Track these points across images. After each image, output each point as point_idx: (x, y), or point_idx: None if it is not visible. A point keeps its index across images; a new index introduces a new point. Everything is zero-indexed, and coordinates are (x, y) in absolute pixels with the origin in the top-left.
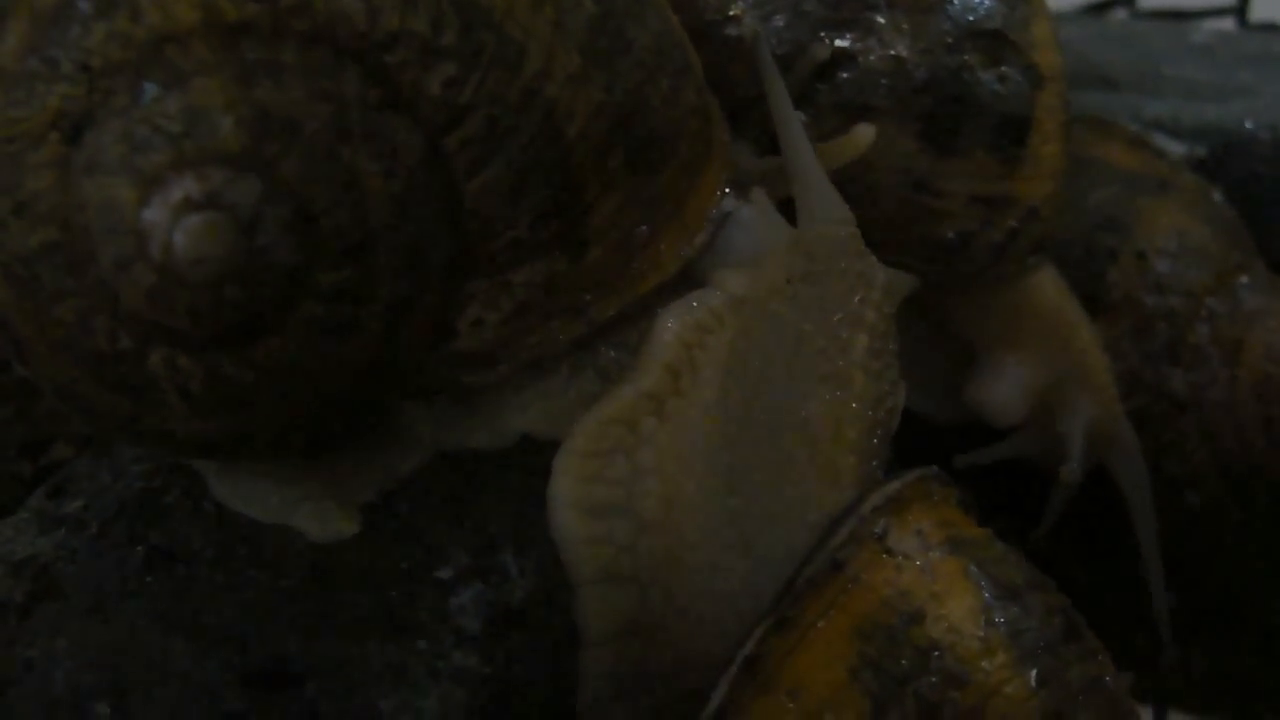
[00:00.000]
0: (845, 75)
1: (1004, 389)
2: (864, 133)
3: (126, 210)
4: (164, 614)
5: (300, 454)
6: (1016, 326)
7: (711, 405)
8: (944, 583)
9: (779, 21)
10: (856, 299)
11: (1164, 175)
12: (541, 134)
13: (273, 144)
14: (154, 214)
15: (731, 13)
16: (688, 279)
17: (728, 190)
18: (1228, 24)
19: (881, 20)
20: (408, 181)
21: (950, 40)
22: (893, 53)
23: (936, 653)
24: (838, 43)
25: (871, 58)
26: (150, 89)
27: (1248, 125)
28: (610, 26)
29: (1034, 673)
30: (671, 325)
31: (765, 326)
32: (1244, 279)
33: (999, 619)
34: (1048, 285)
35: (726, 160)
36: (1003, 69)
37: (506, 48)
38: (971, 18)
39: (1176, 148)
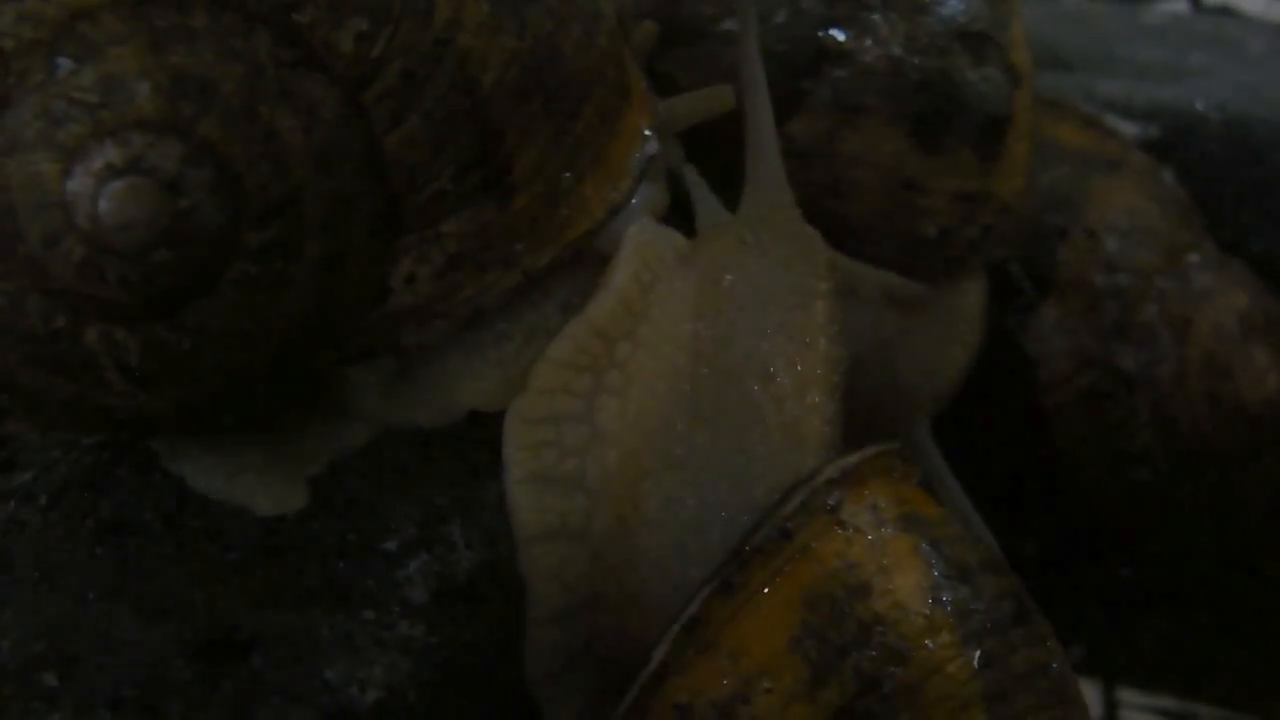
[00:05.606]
0: (840, 74)
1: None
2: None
3: (50, 183)
4: (113, 585)
5: (247, 426)
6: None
7: (682, 342)
8: (893, 558)
9: (779, 18)
10: (809, 268)
11: (1115, 155)
12: (457, 84)
13: (190, 106)
14: (77, 184)
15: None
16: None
17: (649, 133)
18: (1181, 6)
19: (877, 19)
20: (327, 136)
21: (941, 41)
22: (888, 52)
23: (880, 628)
24: (834, 40)
25: (867, 57)
26: (64, 64)
27: (1199, 106)
28: None
29: (978, 654)
30: (631, 234)
31: (733, 275)
32: (1194, 258)
33: (946, 598)
34: (972, 294)
35: (646, 108)
36: (986, 69)
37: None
38: (961, 19)
39: (1129, 128)
